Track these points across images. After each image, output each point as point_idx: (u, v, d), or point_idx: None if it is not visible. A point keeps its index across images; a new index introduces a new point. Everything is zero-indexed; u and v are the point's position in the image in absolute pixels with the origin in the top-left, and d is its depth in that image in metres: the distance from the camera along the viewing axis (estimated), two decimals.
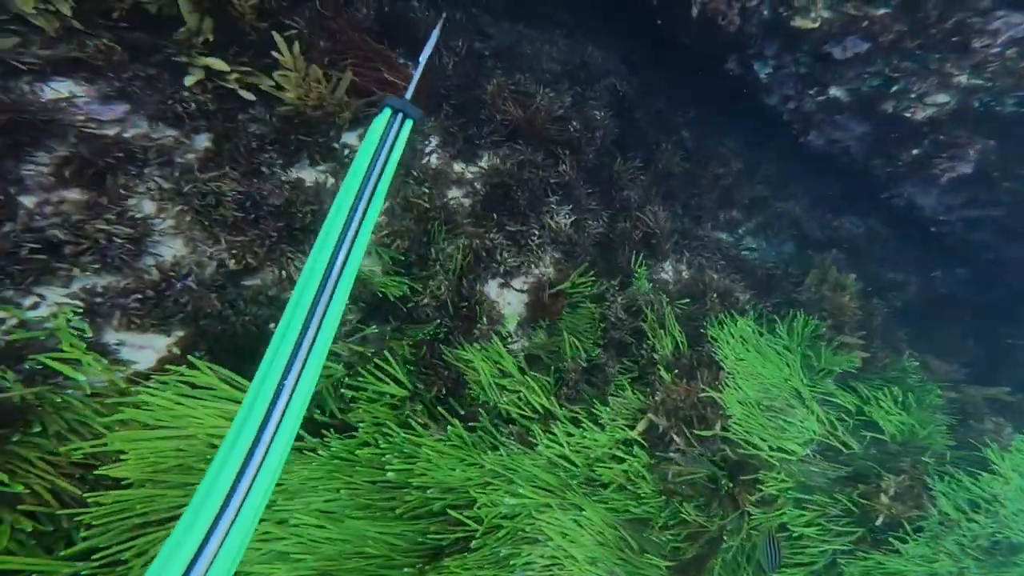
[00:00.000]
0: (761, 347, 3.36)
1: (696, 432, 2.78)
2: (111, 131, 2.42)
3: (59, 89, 2.47)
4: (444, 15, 2.79)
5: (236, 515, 0.94)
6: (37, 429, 1.87)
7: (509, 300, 3.19)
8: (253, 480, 0.98)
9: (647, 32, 5.09)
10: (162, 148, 2.44)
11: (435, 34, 2.32)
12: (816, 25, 3.82)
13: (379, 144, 1.55)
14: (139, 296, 2.11)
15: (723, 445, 2.86)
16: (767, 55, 4.31)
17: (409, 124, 1.64)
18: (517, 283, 3.25)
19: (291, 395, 1.08)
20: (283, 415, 1.06)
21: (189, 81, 2.56)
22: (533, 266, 3.27)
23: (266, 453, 1.01)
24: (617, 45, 5.48)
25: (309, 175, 2.82)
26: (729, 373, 3.07)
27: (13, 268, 1.90)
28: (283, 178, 2.70)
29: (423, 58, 2.04)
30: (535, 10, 5.07)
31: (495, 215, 3.22)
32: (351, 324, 2.58)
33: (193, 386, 2.05)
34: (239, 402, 1.51)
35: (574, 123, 3.69)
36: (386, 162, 1.53)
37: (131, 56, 2.68)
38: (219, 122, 2.60)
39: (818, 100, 4.35)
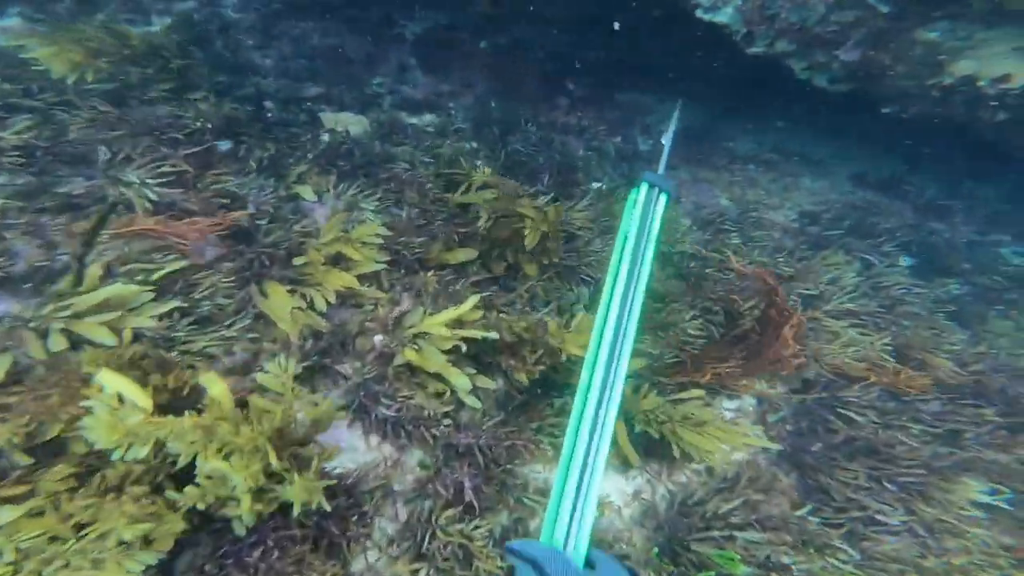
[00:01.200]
0: None
1: None
2: (344, 466, 2.14)
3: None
4: (680, 101, 2.80)
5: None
6: None
7: None
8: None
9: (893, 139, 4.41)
10: (387, 482, 2.08)
11: (676, 114, 2.42)
12: None
13: (641, 218, 1.65)
14: None
15: None
16: None
17: (665, 198, 1.72)
18: None
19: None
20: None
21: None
22: None
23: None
24: (846, 171, 4.75)
25: None
26: None
27: None
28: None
29: (667, 140, 2.13)
30: (706, 149, 4.58)
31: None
32: None
33: None
34: None
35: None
36: (648, 236, 1.61)
37: None
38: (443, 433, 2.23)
39: None
